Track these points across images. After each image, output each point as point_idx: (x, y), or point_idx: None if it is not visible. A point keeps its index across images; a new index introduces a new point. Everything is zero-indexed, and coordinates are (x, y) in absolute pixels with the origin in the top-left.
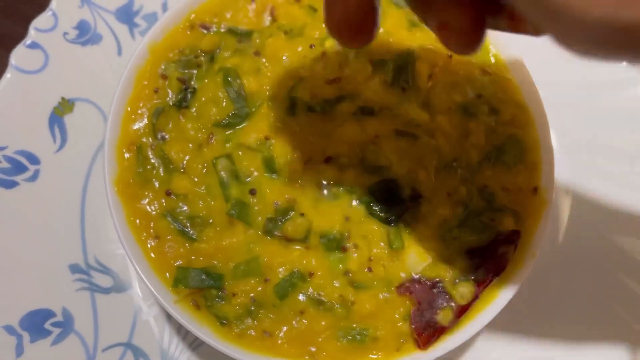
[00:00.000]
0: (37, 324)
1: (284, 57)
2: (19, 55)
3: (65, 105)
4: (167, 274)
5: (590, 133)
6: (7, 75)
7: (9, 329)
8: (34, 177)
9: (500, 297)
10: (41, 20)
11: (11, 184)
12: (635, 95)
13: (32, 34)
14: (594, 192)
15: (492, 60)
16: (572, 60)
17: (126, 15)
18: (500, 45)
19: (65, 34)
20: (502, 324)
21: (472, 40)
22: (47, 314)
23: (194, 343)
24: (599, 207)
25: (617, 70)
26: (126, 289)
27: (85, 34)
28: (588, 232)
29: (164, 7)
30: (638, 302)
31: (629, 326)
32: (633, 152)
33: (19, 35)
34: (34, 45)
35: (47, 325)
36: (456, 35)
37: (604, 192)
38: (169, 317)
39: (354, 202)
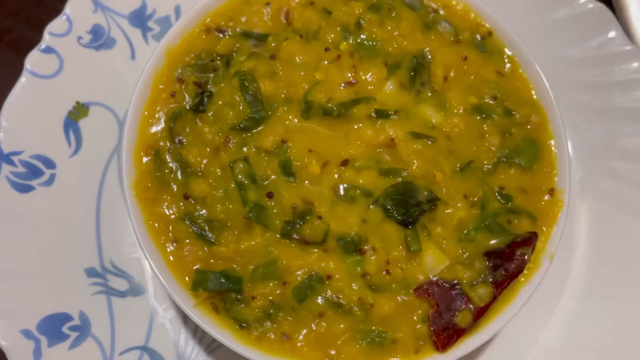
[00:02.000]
0: (54, 328)
1: (299, 60)
2: (33, 59)
3: (80, 110)
4: (187, 278)
5: (604, 134)
6: (22, 79)
7: (27, 333)
8: (49, 182)
9: (518, 299)
10: (55, 25)
11: (27, 188)
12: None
13: (46, 39)
14: (608, 193)
15: (507, 62)
16: (586, 60)
17: (139, 20)
18: (515, 47)
19: (79, 38)
20: (521, 325)
21: None
22: (65, 317)
23: (210, 346)
24: (613, 208)
25: (630, 71)
26: (142, 292)
27: (99, 39)
28: (604, 233)
29: (177, 11)
30: None
31: None
32: None
33: (33, 39)
34: (48, 50)
35: (64, 329)
36: None
37: (618, 193)
38: (185, 320)
39: (371, 205)
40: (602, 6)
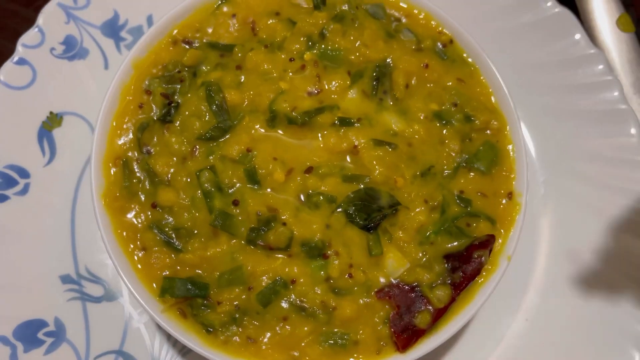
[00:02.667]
0: (30, 334)
1: (265, 70)
2: (7, 71)
3: (53, 120)
4: (154, 284)
5: (568, 135)
6: None
7: (3, 340)
8: (24, 191)
9: (476, 300)
10: (28, 37)
11: (2, 198)
12: (611, 98)
13: (19, 50)
14: (571, 194)
15: (467, 69)
16: (551, 64)
17: (112, 30)
18: (475, 54)
19: (52, 49)
20: (487, 323)
21: None
22: (40, 324)
23: (183, 349)
24: (576, 208)
25: (594, 74)
26: (117, 298)
27: (72, 49)
28: (567, 232)
29: (149, 21)
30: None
31: (623, 321)
32: (609, 154)
33: (7, 49)
34: (21, 62)
35: (40, 335)
36: None
37: (581, 193)
38: (159, 325)
39: (334, 211)
40: (566, 11)
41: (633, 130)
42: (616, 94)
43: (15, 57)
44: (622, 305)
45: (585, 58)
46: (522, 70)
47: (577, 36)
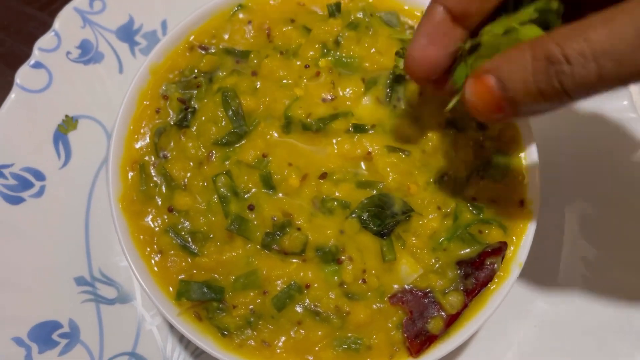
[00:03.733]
0: (44, 335)
1: (280, 77)
2: (23, 75)
3: (69, 123)
4: (170, 288)
5: (576, 145)
6: (12, 95)
7: (18, 341)
8: (39, 193)
9: (488, 306)
10: (45, 41)
11: (18, 200)
12: (621, 107)
13: (36, 54)
14: (579, 207)
15: None
16: None
17: (127, 34)
18: None
19: (68, 53)
20: (496, 330)
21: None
22: (55, 325)
23: (196, 351)
24: (586, 217)
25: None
26: (130, 300)
27: (87, 53)
28: (577, 241)
29: (164, 26)
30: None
31: (634, 329)
32: (617, 164)
33: (23, 53)
34: (38, 65)
35: (54, 337)
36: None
37: (589, 206)
38: (172, 327)
39: (348, 216)
40: None
41: None
42: (625, 102)
43: (32, 61)
44: (633, 312)
45: None
46: None
47: None
